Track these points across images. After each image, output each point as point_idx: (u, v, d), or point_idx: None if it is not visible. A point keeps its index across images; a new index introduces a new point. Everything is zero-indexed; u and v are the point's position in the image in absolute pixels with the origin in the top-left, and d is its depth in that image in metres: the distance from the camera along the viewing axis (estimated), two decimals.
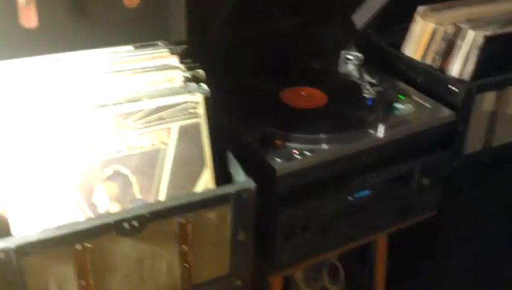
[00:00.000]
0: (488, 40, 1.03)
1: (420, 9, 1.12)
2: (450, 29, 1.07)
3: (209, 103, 0.79)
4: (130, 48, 0.85)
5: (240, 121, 0.96)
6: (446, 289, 1.31)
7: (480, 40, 1.03)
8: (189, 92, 0.78)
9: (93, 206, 0.73)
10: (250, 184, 0.77)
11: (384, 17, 1.18)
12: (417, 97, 1.07)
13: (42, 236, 0.65)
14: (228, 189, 0.75)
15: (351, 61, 1.12)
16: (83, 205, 0.72)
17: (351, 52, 1.12)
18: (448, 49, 1.08)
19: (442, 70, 1.10)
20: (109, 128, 0.73)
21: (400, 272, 1.27)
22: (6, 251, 0.63)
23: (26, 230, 0.68)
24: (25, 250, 0.64)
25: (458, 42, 1.06)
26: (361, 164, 0.96)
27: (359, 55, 1.12)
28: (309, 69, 1.16)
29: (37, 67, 0.78)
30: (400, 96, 1.07)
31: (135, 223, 0.70)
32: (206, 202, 0.75)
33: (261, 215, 0.81)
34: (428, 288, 1.31)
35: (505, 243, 1.34)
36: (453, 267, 1.28)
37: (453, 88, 1.05)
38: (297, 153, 0.89)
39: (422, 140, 1.02)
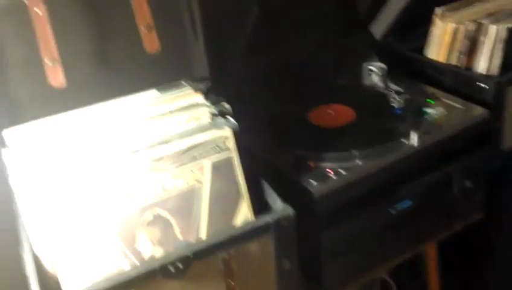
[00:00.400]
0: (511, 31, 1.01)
1: (438, 10, 1.10)
2: (471, 27, 1.05)
3: (238, 135, 0.80)
4: (154, 91, 0.86)
5: (270, 148, 0.96)
6: None
7: (503, 33, 1.01)
8: (217, 127, 0.79)
9: (137, 253, 0.73)
10: (288, 211, 0.76)
11: (402, 24, 1.17)
12: (446, 99, 1.05)
13: (92, 289, 0.66)
14: (267, 218, 0.75)
15: (374, 72, 1.11)
16: (127, 252, 0.73)
17: (373, 64, 1.12)
18: (472, 47, 1.06)
19: (468, 68, 1.08)
20: (144, 173, 0.74)
21: (455, 282, 1.24)
22: None
23: (75, 285, 0.69)
24: None
25: (481, 38, 1.04)
26: (398, 175, 0.95)
27: (382, 65, 1.11)
28: (333, 86, 1.16)
29: (69, 122, 0.80)
30: (429, 100, 1.05)
31: (179, 265, 0.71)
32: (247, 235, 0.75)
33: (304, 239, 0.80)
34: None
35: None
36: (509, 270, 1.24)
37: (482, 85, 1.03)
38: (332, 172, 0.89)
39: (457, 142, 1.00)
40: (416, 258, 1.15)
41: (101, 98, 0.83)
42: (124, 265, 0.72)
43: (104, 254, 0.72)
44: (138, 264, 0.73)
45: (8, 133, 0.78)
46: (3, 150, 0.75)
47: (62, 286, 0.69)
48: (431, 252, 1.16)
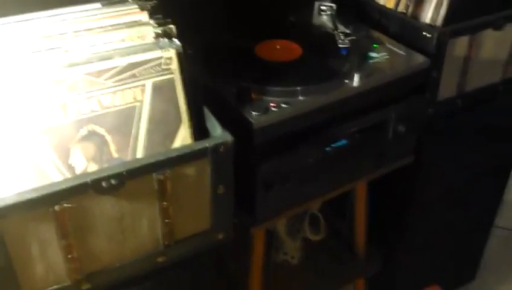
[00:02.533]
0: None
1: None
2: None
3: (182, 58, 0.78)
4: (98, 5, 0.83)
5: (215, 77, 0.95)
6: (424, 237, 1.35)
7: None
8: (162, 48, 0.77)
9: (70, 168, 0.72)
10: (227, 137, 0.77)
11: None
12: (391, 45, 1.07)
13: (19, 198, 0.65)
14: (205, 143, 0.76)
15: (324, 12, 1.11)
16: (60, 166, 0.72)
17: (324, 3, 1.11)
18: None
19: (414, 17, 1.10)
20: (81, 87, 0.72)
21: (380, 221, 1.30)
22: None
23: (1, 192, 0.67)
24: (2, 213, 0.64)
25: None
26: (337, 114, 0.97)
27: (333, 5, 1.11)
28: (283, 21, 1.15)
29: (5, 28, 0.75)
30: (374, 45, 1.07)
31: (113, 181, 0.70)
32: (184, 158, 0.75)
33: (240, 169, 0.82)
34: (408, 237, 1.34)
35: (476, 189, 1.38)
36: (430, 216, 1.32)
37: (426, 34, 1.05)
38: (274, 106, 0.90)
39: (397, 88, 1.03)
40: (345, 195, 1.20)
41: (40, 6, 0.79)
42: (56, 178, 0.71)
43: (36, 166, 0.70)
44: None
45: None
46: None
47: None
48: (361, 191, 1.21)
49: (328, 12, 1.12)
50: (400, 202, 1.29)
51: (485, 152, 1.30)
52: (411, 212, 1.30)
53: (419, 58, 1.05)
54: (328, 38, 1.08)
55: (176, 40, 0.79)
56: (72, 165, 0.72)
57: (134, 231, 0.76)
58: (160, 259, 0.81)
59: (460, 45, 1.07)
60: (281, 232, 1.28)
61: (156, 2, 0.85)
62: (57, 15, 0.80)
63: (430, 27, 1.06)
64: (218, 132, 0.79)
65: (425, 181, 1.25)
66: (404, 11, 1.10)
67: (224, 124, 0.80)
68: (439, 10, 1.06)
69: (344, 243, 1.35)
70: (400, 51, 1.06)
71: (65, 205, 0.68)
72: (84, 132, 0.73)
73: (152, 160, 0.72)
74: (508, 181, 1.47)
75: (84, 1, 0.82)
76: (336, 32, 1.07)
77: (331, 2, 1.12)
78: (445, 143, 1.21)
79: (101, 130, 0.74)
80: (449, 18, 1.06)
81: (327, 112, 0.95)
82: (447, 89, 1.11)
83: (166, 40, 0.79)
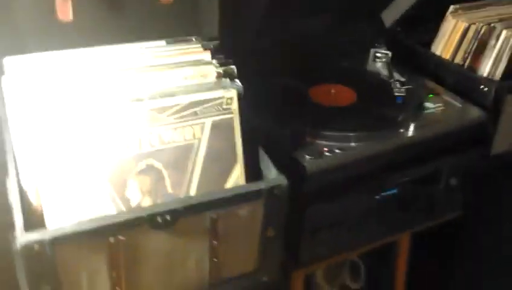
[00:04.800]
0: None
1: (452, 8, 1.10)
2: (483, 28, 1.06)
3: (241, 98, 0.79)
4: (162, 42, 0.85)
5: (269, 119, 0.95)
6: None
7: None
8: (223, 87, 0.78)
9: (126, 200, 0.73)
10: (283, 180, 0.77)
11: (414, 16, 1.17)
12: (447, 96, 1.06)
13: (77, 228, 0.66)
14: (261, 185, 0.75)
15: (380, 59, 1.11)
16: (116, 198, 0.72)
17: (380, 50, 1.11)
18: (479, 49, 1.07)
19: (472, 69, 1.09)
20: (144, 122, 0.73)
21: (422, 273, 1.27)
22: (41, 243, 0.63)
23: (59, 221, 0.68)
24: (59, 242, 0.64)
25: (491, 42, 1.05)
26: (390, 163, 0.95)
27: (388, 52, 1.11)
28: (338, 67, 1.15)
29: (72, 61, 0.78)
30: (430, 95, 1.06)
31: (168, 217, 0.70)
32: (239, 198, 0.75)
33: (288, 212, 0.81)
34: None
35: None
36: (476, 272, 1.27)
37: (484, 88, 1.04)
38: (327, 150, 0.89)
39: (451, 139, 1.01)
40: (388, 245, 1.18)
41: (107, 41, 0.81)
42: (110, 210, 0.72)
43: (93, 196, 0.71)
44: (125, 211, 0.72)
45: (9, 61, 0.75)
46: (2, 77, 0.73)
47: (46, 220, 0.68)
48: (405, 243, 1.18)
49: (383, 60, 1.11)
50: (442, 257, 1.26)
51: None
52: (451, 269, 1.26)
53: (475, 111, 1.03)
54: (383, 86, 1.07)
55: (237, 81, 0.80)
56: (128, 198, 0.73)
57: (182, 268, 0.76)
58: None
59: None
60: (319, 278, 1.25)
61: (218, 42, 0.87)
62: (122, 50, 0.83)
63: (487, 80, 1.05)
64: (273, 174, 0.79)
65: (471, 238, 1.21)
66: (461, 63, 1.10)
67: (276, 166, 0.80)
68: (498, 64, 1.05)
69: None
70: (456, 102, 1.05)
71: (120, 237, 0.68)
72: (142, 165, 0.74)
73: (208, 198, 0.72)
74: None
75: (149, 38, 0.84)
76: (391, 80, 1.07)
77: (387, 50, 1.12)
78: (494, 198, 1.18)
79: (159, 165, 0.75)
80: (508, 73, 1.05)
81: (380, 159, 0.93)
82: (500, 144, 1.09)
83: (227, 80, 0.80)
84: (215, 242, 0.76)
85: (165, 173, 0.75)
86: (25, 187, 0.69)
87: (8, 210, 0.77)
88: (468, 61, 1.09)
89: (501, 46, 1.04)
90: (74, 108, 0.71)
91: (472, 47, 1.07)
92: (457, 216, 1.11)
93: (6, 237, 0.79)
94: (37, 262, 0.64)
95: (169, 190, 0.76)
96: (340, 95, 1.04)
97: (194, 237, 0.75)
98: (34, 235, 0.63)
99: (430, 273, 1.28)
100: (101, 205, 0.72)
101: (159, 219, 0.70)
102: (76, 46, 0.80)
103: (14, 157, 0.71)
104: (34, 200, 0.70)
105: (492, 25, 1.05)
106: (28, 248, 0.62)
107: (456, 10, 1.10)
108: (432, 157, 1.00)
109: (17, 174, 0.70)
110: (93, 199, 0.71)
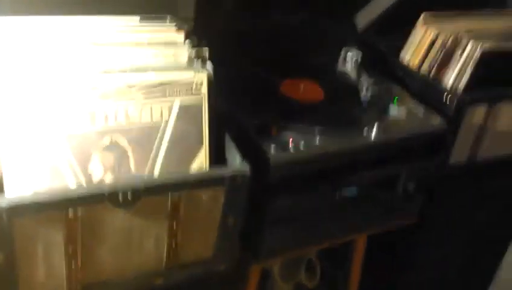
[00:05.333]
0: (486, 53, 1.05)
1: (423, 15, 1.13)
2: (450, 39, 1.08)
3: (211, 83, 0.79)
4: (136, 18, 0.83)
5: (238, 107, 0.95)
6: None
7: (477, 53, 1.05)
8: (194, 70, 0.77)
9: (87, 175, 0.72)
10: (246, 168, 0.77)
11: (387, 21, 1.19)
12: (411, 103, 1.09)
13: (36, 198, 0.64)
14: (224, 171, 0.75)
15: (350, 59, 1.13)
16: (77, 172, 0.71)
17: (351, 51, 1.13)
18: (446, 59, 1.10)
19: (437, 79, 1.11)
20: (112, 96, 0.72)
21: (375, 275, 1.29)
22: None
23: (18, 189, 0.66)
24: (17, 210, 0.63)
25: (456, 53, 1.08)
26: (351, 161, 0.97)
27: (359, 52, 1.13)
28: (310, 63, 1.16)
29: (44, 28, 0.76)
30: (395, 100, 1.08)
31: (129, 196, 0.69)
32: (201, 182, 0.75)
33: (249, 203, 0.81)
34: None
35: (475, 256, 1.37)
36: (424, 278, 1.31)
37: (446, 98, 1.07)
38: (292, 143, 0.90)
39: (411, 145, 1.03)
40: (344, 245, 1.19)
41: (82, 11, 0.79)
42: (71, 183, 0.70)
43: (54, 168, 0.69)
44: (85, 185, 0.71)
45: None
46: None
47: (5, 188, 0.66)
48: (360, 243, 1.20)
49: (354, 59, 1.13)
50: (396, 260, 1.28)
51: (486, 222, 1.30)
52: (406, 272, 1.29)
53: (437, 120, 1.06)
54: (350, 86, 1.09)
55: (209, 64, 0.80)
56: (90, 173, 0.72)
57: (140, 248, 0.75)
58: (158, 281, 0.80)
59: (478, 113, 1.09)
60: (275, 274, 1.26)
61: (193, 24, 0.87)
62: (95, 22, 0.81)
63: (450, 91, 1.08)
64: (237, 161, 0.79)
65: (424, 244, 1.24)
66: (428, 71, 1.12)
67: (241, 155, 0.80)
68: (462, 77, 1.08)
69: None
70: (419, 110, 1.07)
71: (78, 211, 0.66)
72: (107, 141, 0.72)
73: (171, 180, 0.72)
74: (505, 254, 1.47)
75: (124, 12, 0.83)
76: (359, 81, 1.08)
77: (358, 51, 1.14)
78: (449, 207, 1.21)
79: (124, 142, 0.74)
80: (470, 85, 1.08)
81: (342, 157, 0.95)
82: (459, 154, 1.12)
83: (199, 62, 0.80)
84: (174, 224, 0.76)
85: (129, 150, 0.74)
86: None
87: None
88: (434, 70, 1.11)
89: (466, 57, 1.07)
90: (41, 77, 0.69)
91: (439, 57, 1.10)
92: (412, 222, 1.14)
93: None
94: None
95: (133, 168, 0.75)
96: (308, 91, 1.05)
97: (154, 218, 0.74)
98: None
99: (383, 275, 1.30)
100: (62, 177, 0.70)
101: (120, 197, 0.69)
102: (49, 13, 0.78)
103: None
104: None
105: (459, 36, 1.08)
106: None
107: (427, 18, 1.13)
108: (391, 161, 1.03)
109: None
110: (55, 171, 0.70)
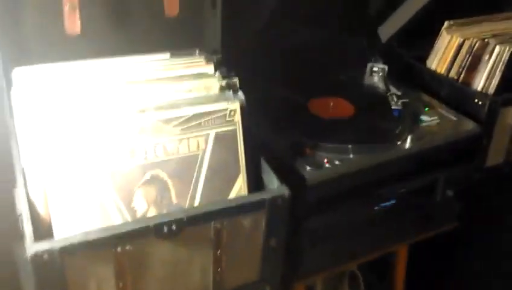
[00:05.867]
0: None
1: (447, 23, 1.13)
2: (477, 44, 1.08)
3: (244, 110, 0.81)
4: (167, 55, 0.86)
5: (269, 130, 0.97)
6: None
7: (506, 55, 1.05)
8: (227, 100, 0.79)
9: (132, 210, 0.74)
10: (285, 191, 0.78)
11: (410, 31, 1.20)
12: (441, 109, 1.09)
13: (84, 238, 0.67)
14: (263, 195, 0.77)
15: (376, 73, 1.14)
16: (122, 208, 0.73)
17: (376, 64, 1.14)
18: (474, 64, 1.10)
19: (466, 84, 1.11)
20: (149, 133, 0.75)
21: (419, 283, 1.28)
22: (50, 252, 0.64)
23: (67, 233, 0.69)
24: (68, 251, 0.65)
25: (484, 57, 1.08)
26: (388, 174, 0.97)
27: (385, 66, 1.14)
28: (337, 80, 1.18)
29: (79, 72, 0.79)
30: (425, 108, 1.08)
31: (173, 227, 0.72)
32: (242, 208, 0.76)
33: (289, 223, 0.82)
34: None
35: None
36: (472, 281, 1.29)
37: (478, 102, 1.06)
38: (327, 162, 0.91)
39: (447, 151, 1.03)
40: (387, 256, 1.19)
41: (113, 53, 0.83)
42: (117, 220, 0.73)
43: (100, 206, 0.72)
44: (130, 221, 0.73)
45: (18, 72, 0.77)
46: (12, 89, 0.75)
47: (54, 230, 0.69)
48: (402, 253, 1.19)
49: (380, 74, 1.14)
50: (438, 267, 1.27)
51: None
52: (449, 279, 1.27)
53: (470, 125, 1.05)
54: (380, 99, 1.10)
55: (240, 93, 0.82)
56: (134, 208, 0.74)
57: (186, 277, 0.77)
58: None
59: (510, 114, 1.08)
60: (319, 289, 1.26)
61: (220, 55, 0.89)
62: (128, 62, 0.84)
63: (481, 95, 1.08)
64: (275, 184, 0.80)
65: (466, 249, 1.23)
66: (456, 77, 1.12)
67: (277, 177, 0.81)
68: (492, 79, 1.07)
69: None
70: (451, 116, 1.07)
71: (126, 247, 0.69)
72: (148, 176, 0.75)
73: (212, 208, 0.74)
74: None
75: (154, 50, 0.86)
76: (388, 93, 1.09)
77: (383, 64, 1.15)
78: (490, 211, 1.20)
79: (164, 175, 0.76)
80: (500, 88, 1.07)
81: (378, 171, 0.95)
82: (494, 156, 1.11)
83: (230, 92, 0.82)
84: (218, 252, 0.77)
85: (170, 183, 0.76)
86: (32, 197, 0.70)
87: (9, 220, 0.78)
88: (462, 75, 1.11)
89: (494, 61, 1.06)
90: (81, 119, 0.72)
91: (466, 62, 1.10)
92: (453, 227, 1.13)
93: (8, 247, 0.81)
94: (46, 271, 0.65)
95: (174, 200, 0.77)
96: (338, 107, 1.06)
97: (198, 247, 0.76)
98: (44, 245, 0.63)
99: (428, 283, 1.29)
100: (107, 215, 0.73)
101: (165, 229, 0.71)
102: (84, 58, 0.82)
103: (22, 168, 0.72)
104: (42, 210, 0.71)
105: (486, 40, 1.08)
106: (37, 257, 0.63)
107: (450, 26, 1.13)
108: (428, 169, 1.03)
109: (25, 184, 0.71)
110: (100, 209, 0.72)
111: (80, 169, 0.71)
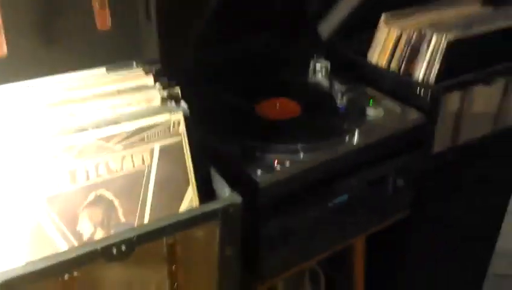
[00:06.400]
0: (451, 43, 1.07)
1: (384, 16, 1.15)
2: (414, 35, 1.10)
3: (188, 120, 0.79)
4: (103, 70, 0.83)
5: (218, 137, 0.96)
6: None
7: (443, 44, 1.07)
8: (169, 111, 0.77)
9: (77, 234, 0.71)
10: (237, 198, 0.77)
11: (349, 26, 1.21)
12: (386, 102, 1.10)
13: (28, 268, 0.63)
14: (215, 205, 0.75)
15: (320, 70, 1.14)
16: (66, 233, 0.70)
17: (319, 62, 1.14)
18: (413, 54, 1.11)
19: (407, 75, 1.13)
20: (90, 153, 0.72)
21: (378, 274, 1.30)
22: None
23: (9, 263, 0.65)
24: (11, 283, 0.62)
25: (422, 47, 1.10)
26: (339, 170, 0.98)
27: (326, 63, 1.14)
28: (282, 81, 1.17)
29: (9, 95, 0.75)
30: (370, 102, 1.09)
31: (123, 248, 0.69)
32: (194, 220, 0.74)
33: (244, 228, 0.81)
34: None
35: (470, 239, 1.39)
36: (424, 268, 1.32)
37: (420, 91, 1.08)
38: (278, 163, 0.90)
39: (394, 142, 1.04)
40: (345, 250, 1.20)
41: (45, 72, 0.79)
42: (62, 246, 0.70)
43: (41, 234, 0.69)
44: (76, 245, 0.70)
45: None
46: None
47: None
48: (360, 246, 1.20)
49: (323, 71, 1.14)
50: (395, 255, 1.29)
51: (477, 203, 1.32)
52: (406, 265, 1.30)
53: (415, 114, 1.07)
54: (325, 96, 1.10)
55: (183, 103, 0.80)
56: (80, 232, 0.71)
57: None
58: None
59: (452, 100, 1.11)
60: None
61: (159, 65, 0.87)
62: (62, 80, 0.81)
63: (423, 84, 1.10)
64: (226, 192, 0.79)
65: (420, 235, 1.25)
66: (397, 69, 1.14)
67: (228, 184, 0.80)
68: (432, 68, 1.09)
69: None
70: (396, 107, 1.08)
71: (74, 274, 0.66)
72: (91, 197, 0.72)
73: (162, 224, 0.71)
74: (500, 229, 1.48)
75: (90, 66, 0.83)
76: (332, 90, 1.09)
77: (326, 61, 1.15)
78: (439, 196, 1.23)
79: (109, 195, 0.73)
80: (441, 75, 1.10)
81: (329, 168, 0.95)
82: (440, 143, 1.14)
83: (173, 102, 0.80)
84: (174, 267, 0.75)
85: (116, 202, 0.74)
86: None
87: None
88: (403, 66, 1.13)
89: (432, 50, 1.08)
90: (14, 144, 0.68)
91: (406, 53, 1.12)
92: (405, 215, 1.15)
93: None
94: None
95: (122, 219, 0.74)
96: (285, 108, 1.06)
97: (152, 265, 0.73)
98: None
99: (385, 273, 1.31)
100: (51, 242, 0.69)
101: (114, 251, 0.68)
102: (12, 80, 0.78)
103: None
104: None
105: (423, 30, 1.10)
106: None
107: (387, 18, 1.14)
108: (378, 161, 1.04)
109: None
110: (42, 237, 0.69)
111: (18, 197, 0.68)
